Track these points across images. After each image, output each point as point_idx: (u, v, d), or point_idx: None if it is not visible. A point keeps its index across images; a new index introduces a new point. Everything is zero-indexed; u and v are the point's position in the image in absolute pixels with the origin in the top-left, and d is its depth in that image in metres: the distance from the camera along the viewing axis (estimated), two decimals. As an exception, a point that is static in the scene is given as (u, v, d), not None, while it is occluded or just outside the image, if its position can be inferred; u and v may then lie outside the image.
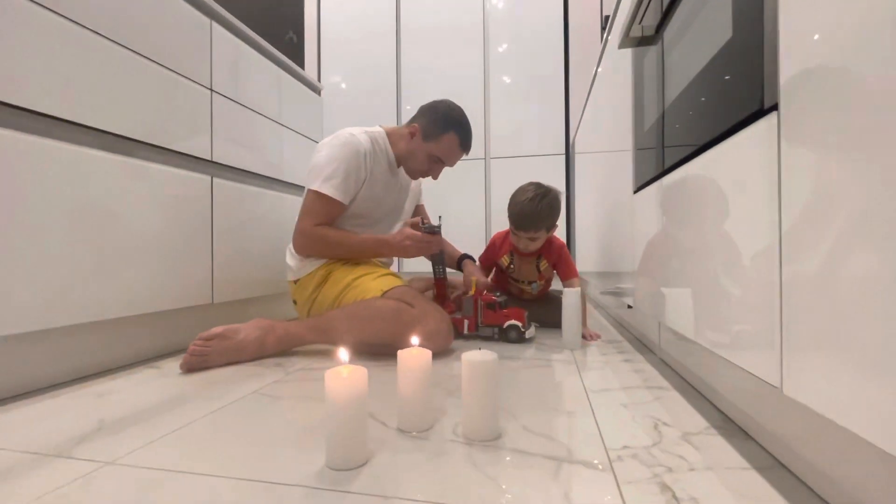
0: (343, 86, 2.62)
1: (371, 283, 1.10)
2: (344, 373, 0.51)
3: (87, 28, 0.87)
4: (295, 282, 1.21)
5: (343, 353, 0.53)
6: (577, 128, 2.19)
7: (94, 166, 0.88)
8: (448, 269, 1.29)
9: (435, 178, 1.30)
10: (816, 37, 0.37)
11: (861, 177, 0.32)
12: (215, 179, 1.21)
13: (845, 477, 0.41)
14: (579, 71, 2.39)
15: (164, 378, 0.89)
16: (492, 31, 2.45)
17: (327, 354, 1.07)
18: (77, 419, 0.67)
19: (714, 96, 0.58)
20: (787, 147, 0.41)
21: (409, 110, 2.52)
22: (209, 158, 1.19)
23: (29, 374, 0.80)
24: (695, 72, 0.64)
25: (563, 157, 2.38)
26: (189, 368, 0.92)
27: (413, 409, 0.61)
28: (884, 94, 0.30)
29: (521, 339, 1.19)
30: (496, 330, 1.22)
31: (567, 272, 1.34)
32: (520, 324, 1.18)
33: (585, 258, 1.98)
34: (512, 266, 1.39)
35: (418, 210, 1.48)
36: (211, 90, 1.20)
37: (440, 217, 1.24)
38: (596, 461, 0.52)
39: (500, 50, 2.44)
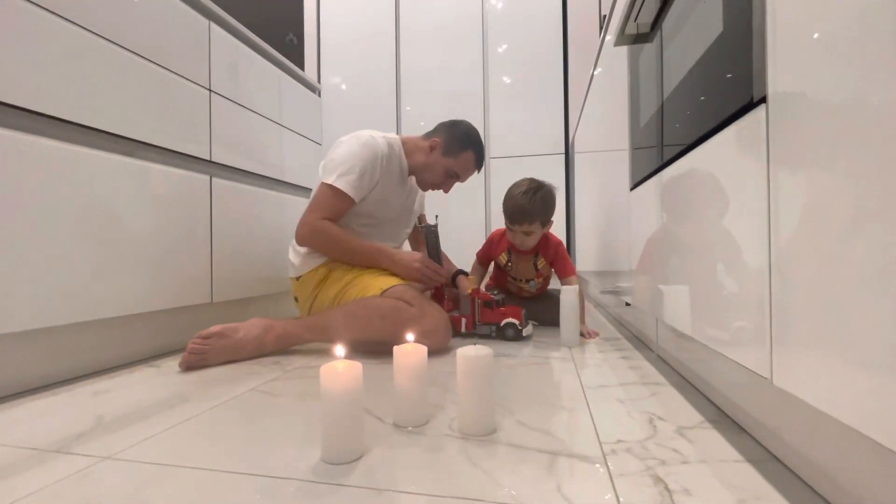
0: (343, 87, 2.63)
1: (372, 281, 1.10)
2: (339, 367, 0.51)
3: (87, 29, 0.88)
4: (297, 279, 1.21)
5: (339, 349, 0.54)
6: (577, 127, 2.20)
7: (93, 166, 0.89)
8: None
9: (446, 192, 1.32)
10: (805, 29, 0.37)
11: (847, 172, 0.32)
12: (214, 179, 1.22)
13: (837, 468, 0.41)
14: (578, 70, 2.39)
15: (163, 376, 0.89)
16: (491, 32, 2.46)
17: (326, 353, 1.07)
18: (76, 416, 0.68)
19: (706, 91, 0.58)
20: (775, 140, 0.41)
21: (409, 111, 2.53)
22: (208, 158, 1.20)
23: (28, 372, 0.81)
24: (688, 67, 0.64)
25: (563, 156, 2.39)
26: (188, 367, 0.92)
27: (409, 404, 0.62)
28: (868, 87, 0.30)
29: (518, 336, 1.19)
30: (494, 328, 1.22)
31: (564, 270, 1.34)
32: (517, 322, 1.19)
33: (585, 258, 1.98)
34: (510, 264, 1.39)
35: (419, 219, 1.48)
36: (210, 91, 1.21)
37: (437, 216, 1.25)
38: (590, 455, 0.52)
39: (500, 50, 2.45)
